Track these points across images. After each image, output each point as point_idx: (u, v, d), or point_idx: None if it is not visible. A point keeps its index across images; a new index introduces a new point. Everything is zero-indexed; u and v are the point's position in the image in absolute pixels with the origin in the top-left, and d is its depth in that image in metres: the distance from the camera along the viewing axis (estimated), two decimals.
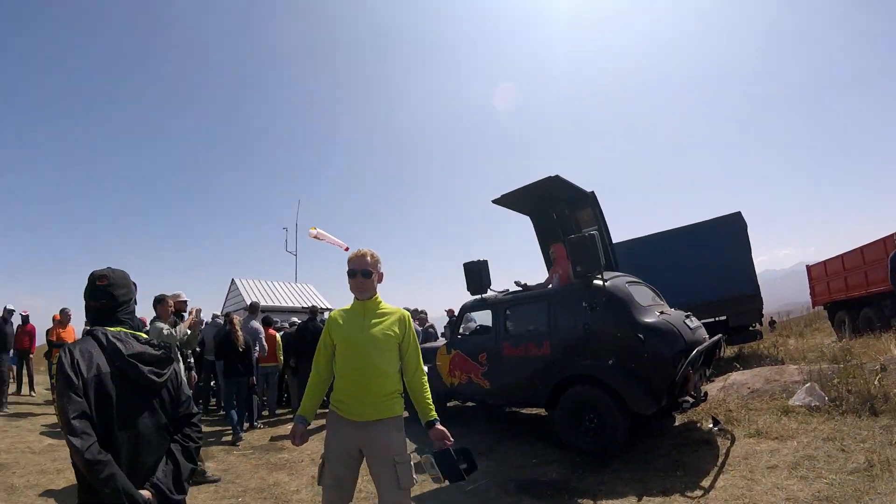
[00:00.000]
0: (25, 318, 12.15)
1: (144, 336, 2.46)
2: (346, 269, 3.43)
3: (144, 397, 2.32)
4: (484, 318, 8.24)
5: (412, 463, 3.24)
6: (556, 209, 8.48)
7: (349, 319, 3.40)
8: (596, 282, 6.48)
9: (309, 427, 3.45)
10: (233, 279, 22.06)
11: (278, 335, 10.80)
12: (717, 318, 12.61)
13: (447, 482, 3.26)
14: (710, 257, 12.89)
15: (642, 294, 6.83)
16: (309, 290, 23.47)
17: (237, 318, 9.58)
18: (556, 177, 7.41)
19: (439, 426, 3.24)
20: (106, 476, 2.03)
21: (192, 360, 9.64)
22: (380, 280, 3.49)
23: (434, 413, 3.32)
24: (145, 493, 2.16)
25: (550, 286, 7.60)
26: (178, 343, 5.97)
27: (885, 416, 6.05)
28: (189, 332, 6.29)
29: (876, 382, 6.79)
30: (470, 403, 8.95)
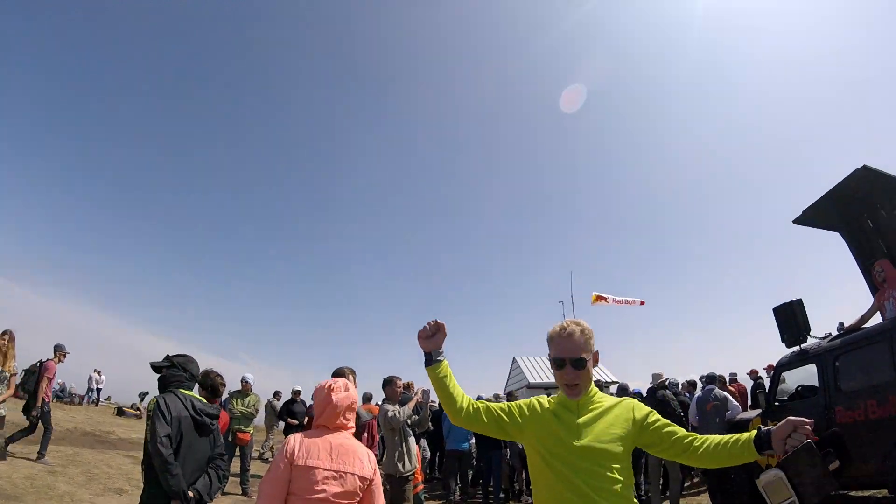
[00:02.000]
0: None
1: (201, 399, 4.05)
2: (550, 354, 2.50)
3: (201, 436, 3.85)
4: (803, 377, 6.63)
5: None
6: (872, 213, 6.63)
7: (560, 416, 2.46)
8: None
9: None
10: (514, 358, 23.09)
11: None
12: None
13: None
14: None
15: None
16: None
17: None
18: (865, 167, 5.87)
19: (775, 424, 2.11)
20: (174, 474, 3.52)
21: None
22: (596, 362, 2.52)
23: (751, 432, 2.17)
24: (190, 493, 3.61)
25: (879, 317, 5.94)
26: (403, 423, 6.25)
27: None
28: (419, 414, 6.62)
29: None
30: None
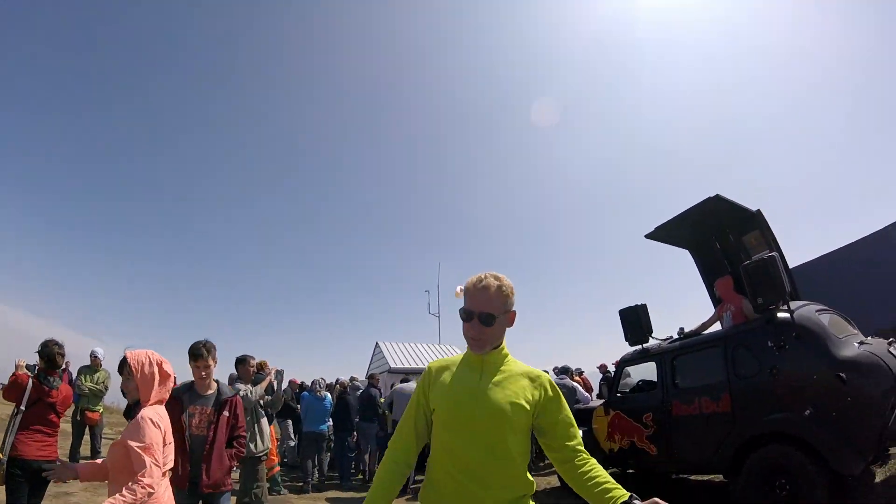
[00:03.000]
0: None
1: None
2: (461, 306, 2.27)
3: None
4: (646, 371, 7.22)
5: None
6: (719, 236, 7.45)
7: (460, 375, 2.27)
8: (781, 314, 5.41)
9: None
10: (377, 342, 22.82)
11: None
12: None
13: None
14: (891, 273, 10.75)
15: (837, 324, 5.56)
16: (453, 350, 23.54)
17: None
18: (718, 196, 6.48)
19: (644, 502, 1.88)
20: None
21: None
22: (510, 322, 2.28)
23: (622, 491, 1.97)
24: None
25: (719, 326, 6.66)
26: (256, 402, 6.28)
27: None
28: (272, 394, 6.74)
29: None
30: (630, 471, 7.64)
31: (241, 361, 6.58)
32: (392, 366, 19.80)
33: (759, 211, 6.82)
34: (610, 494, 1.95)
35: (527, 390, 2.18)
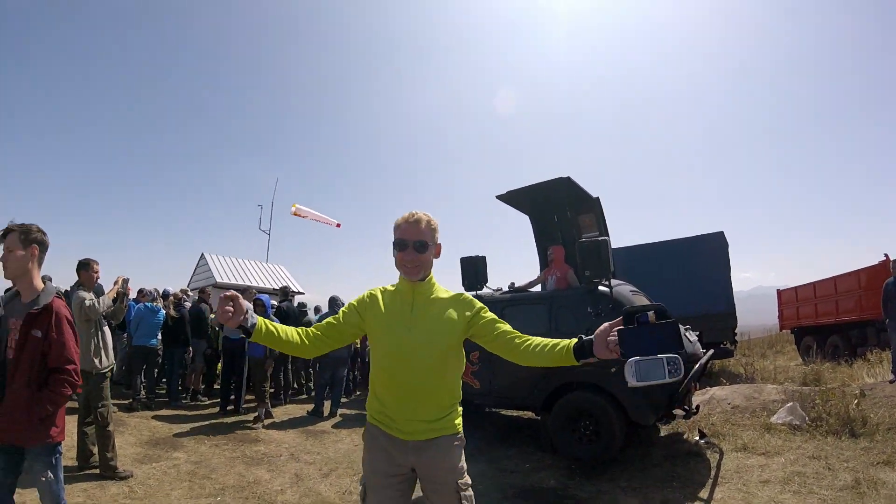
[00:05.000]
0: None
1: None
2: (393, 238, 2.61)
3: None
4: None
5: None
6: (559, 211, 8.49)
7: (393, 307, 2.62)
8: (602, 288, 6.48)
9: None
10: (202, 254, 21.37)
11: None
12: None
13: (682, 352, 2.01)
14: (691, 273, 13.24)
15: (643, 303, 6.69)
16: (280, 270, 23.12)
17: None
18: (568, 178, 7.37)
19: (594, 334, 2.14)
20: None
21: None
22: (437, 255, 2.67)
23: (567, 340, 2.25)
24: None
25: (541, 287, 7.71)
26: (102, 314, 5.75)
27: (864, 439, 6.36)
28: (114, 303, 6.01)
29: (855, 406, 7.06)
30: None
31: (84, 266, 5.91)
32: (218, 280, 18.94)
33: (598, 199, 7.92)
34: (556, 346, 2.26)
35: (454, 312, 2.54)
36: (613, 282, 6.61)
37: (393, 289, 2.70)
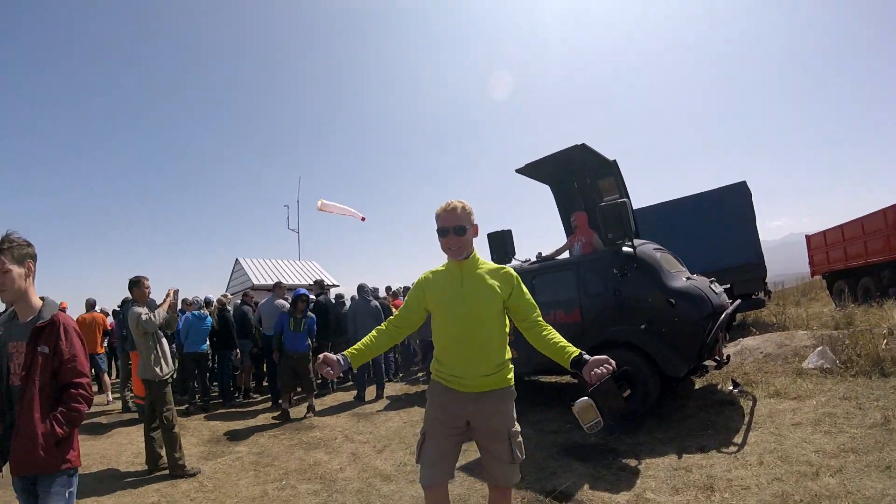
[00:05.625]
0: None
1: None
2: (436, 227, 2.98)
3: None
4: None
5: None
6: (578, 178, 8.65)
7: (446, 285, 3.00)
8: (626, 249, 6.64)
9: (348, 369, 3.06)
10: (237, 259, 21.85)
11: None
12: (722, 286, 12.95)
13: (603, 423, 2.83)
14: (716, 226, 13.25)
15: (669, 261, 6.98)
16: (313, 266, 23.48)
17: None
18: (584, 145, 7.51)
19: (592, 357, 2.69)
20: None
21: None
22: (476, 234, 3.03)
23: (575, 349, 2.79)
24: None
25: (568, 253, 7.86)
26: (158, 326, 6.03)
27: (894, 378, 6.44)
28: (167, 314, 6.18)
29: (884, 346, 7.17)
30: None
31: (136, 284, 6.17)
32: (254, 282, 19.32)
33: (615, 161, 8.07)
34: (565, 348, 2.79)
35: (497, 283, 2.93)
36: (637, 242, 6.74)
37: (444, 268, 3.09)
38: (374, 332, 3.15)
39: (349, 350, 3.03)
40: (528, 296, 3.01)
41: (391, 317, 3.21)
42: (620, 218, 6.55)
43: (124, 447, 7.39)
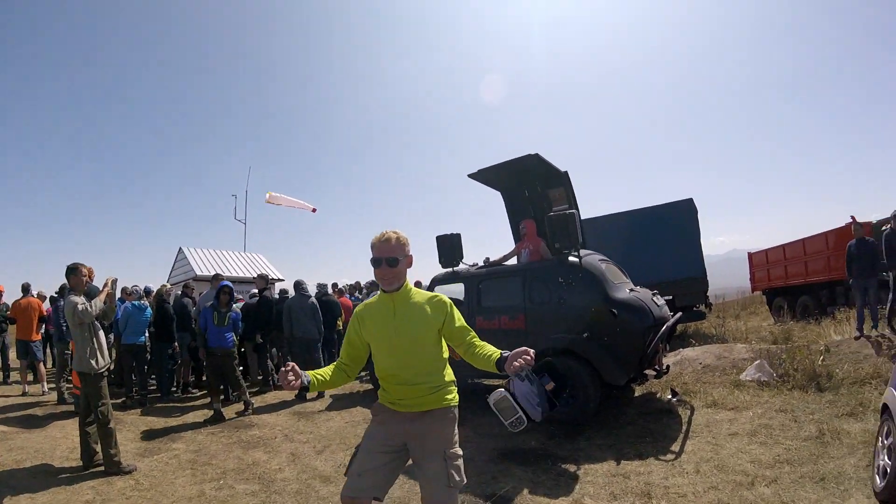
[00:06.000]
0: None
1: None
2: (370, 257, 2.97)
3: None
4: (455, 291, 8.20)
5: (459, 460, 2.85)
6: (529, 186, 8.66)
7: (379, 318, 3.02)
8: (571, 258, 6.69)
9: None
10: (180, 248, 21.25)
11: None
12: (664, 298, 13.16)
13: (531, 420, 2.70)
14: (662, 239, 13.54)
15: (613, 272, 7.05)
16: (259, 259, 23.04)
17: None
18: (536, 155, 7.52)
19: (510, 352, 2.61)
20: None
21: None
22: (409, 264, 3.04)
23: (498, 351, 2.75)
24: None
25: (515, 259, 7.86)
26: (95, 316, 5.81)
27: (829, 392, 6.65)
28: (105, 304, 5.93)
29: (820, 362, 7.39)
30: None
31: (73, 271, 5.96)
32: (197, 273, 18.94)
33: (566, 172, 8.12)
34: (490, 355, 2.74)
35: (430, 312, 2.94)
36: (583, 252, 6.80)
37: (376, 300, 3.08)
38: (329, 369, 3.12)
39: (313, 374, 2.97)
40: (461, 321, 3.01)
41: (341, 357, 3.20)
42: (568, 228, 6.59)
43: (59, 441, 7.11)
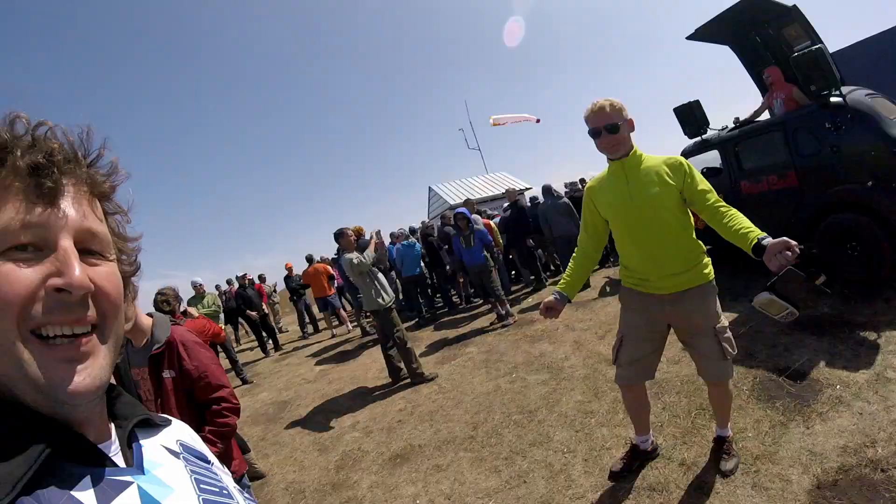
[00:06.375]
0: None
1: None
2: (587, 130, 2.87)
3: None
4: (709, 160, 7.92)
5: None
6: (759, 30, 8.02)
7: (611, 187, 2.91)
8: (834, 99, 6.04)
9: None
10: (430, 187, 23.26)
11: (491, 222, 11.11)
12: None
13: (799, 311, 2.50)
14: None
15: (885, 106, 6.23)
16: (502, 176, 24.25)
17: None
18: None
19: (772, 241, 2.39)
20: None
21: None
22: (631, 129, 2.88)
23: (757, 232, 2.52)
24: None
25: (768, 113, 7.44)
26: (370, 265, 6.56)
27: None
28: (376, 253, 6.67)
29: None
30: (708, 247, 8.19)
31: (340, 235, 6.87)
32: (451, 203, 20.47)
33: (795, 6, 7.30)
34: (746, 233, 2.54)
35: (667, 175, 2.78)
36: (845, 89, 6.20)
37: (606, 172, 3.02)
38: (571, 264, 3.19)
39: (559, 286, 3.11)
40: (703, 182, 2.83)
41: (581, 240, 3.23)
42: (820, 65, 6.01)
43: (369, 366, 8.50)
